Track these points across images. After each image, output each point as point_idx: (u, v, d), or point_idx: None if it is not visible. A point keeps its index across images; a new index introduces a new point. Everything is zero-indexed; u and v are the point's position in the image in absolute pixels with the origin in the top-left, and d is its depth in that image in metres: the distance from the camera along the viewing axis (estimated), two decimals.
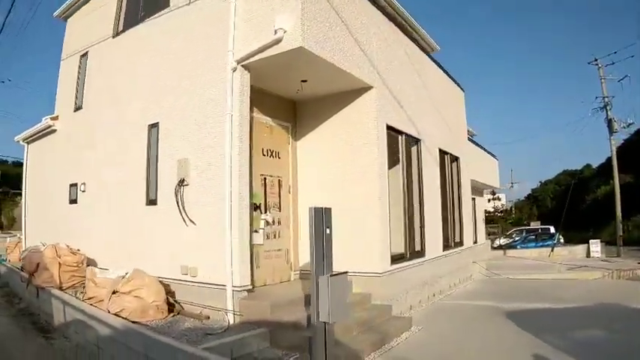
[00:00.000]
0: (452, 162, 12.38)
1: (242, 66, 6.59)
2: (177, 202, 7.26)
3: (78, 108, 10.64)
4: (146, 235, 7.97)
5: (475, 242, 19.77)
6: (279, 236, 8.14)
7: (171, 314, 6.68)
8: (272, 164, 8.12)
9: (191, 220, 7.09)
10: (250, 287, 6.60)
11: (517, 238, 28.90)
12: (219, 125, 6.66)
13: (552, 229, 28.57)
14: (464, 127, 14.32)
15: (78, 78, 10.74)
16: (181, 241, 7.20)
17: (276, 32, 6.03)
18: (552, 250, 21.30)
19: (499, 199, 44.66)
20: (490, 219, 37.73)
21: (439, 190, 10.99)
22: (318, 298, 4.83)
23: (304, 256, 8.33)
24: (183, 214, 7.17)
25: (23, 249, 11.80)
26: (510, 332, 6.85)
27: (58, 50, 12.00)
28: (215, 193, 6.64)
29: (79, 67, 10.73)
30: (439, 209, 10.88)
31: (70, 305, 6.86)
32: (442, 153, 11.46)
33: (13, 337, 6.87)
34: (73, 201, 10.50)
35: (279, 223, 8.16)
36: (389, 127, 8.30)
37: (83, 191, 10.18)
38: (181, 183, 7.26)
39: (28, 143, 13.13)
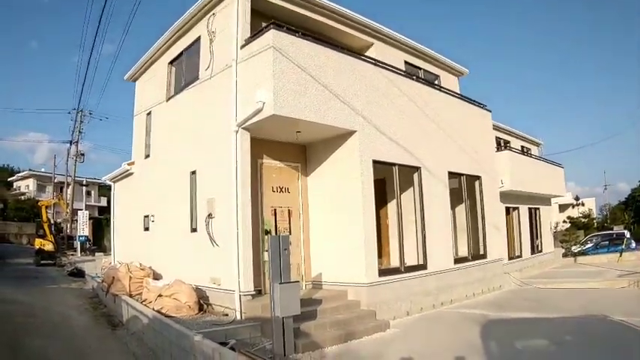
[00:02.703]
0: (471, 181, 14.33)
1: (242, 128, 9.41)
2: (207, 230, 10.19)
3: (147, 156, 14.22)
4: (190, 254, 11.14)
5: (540, 251, 21.28)
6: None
7: (201, 312, 9.63)
8: (282, 198, 10.87)
9: (216, 243, 10.00)
10: (254, 292, 9.30)
11: (590, 245, 29.08)
12: (229, 173, 9.46)
13: (627, 234, 28.45)
14: (490, 146, 16.15)
15: (146, 131, 14.24)
16: (210, 258, 10.18)
17: (257, 103, 8.75)
18: (620, 255, 21.94)
19: (583, 204, 44.15)
20: (576, 225, 37.80)
21: (449, 209, 13.02)
22: (274, 299, 7.40)
23: (316, 268, 11.00)
24: (211, 238, 10.08)
25: (105, 267, 15.59)
26: (467, 337, 8.48)
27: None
28: (229, 223, 9.44)
29: (146, 122, 14.31)
30: (449, 227, 12.93)
31: (131, 306, 10.04)
32: (455, 175, 13.49)
33: (89, 328, 10.16)
34: (147, 229, 14.01)
35: (289, 243, 10.79)
36: (378, 162, 10.67)
37: (153, 221, 13.61)
38: (209, 216, 10.23)
39: (114, 182, 17.03)
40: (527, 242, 20.40)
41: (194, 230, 11.08)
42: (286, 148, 11.12)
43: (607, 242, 27.89)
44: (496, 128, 20.22)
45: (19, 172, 64.91)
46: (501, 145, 21.38)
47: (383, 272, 10.51)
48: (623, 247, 24.28)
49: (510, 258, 18.06)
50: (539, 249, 21.90)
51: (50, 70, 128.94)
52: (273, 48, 8.74)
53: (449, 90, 14.39)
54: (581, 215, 44.42)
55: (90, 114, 35.42)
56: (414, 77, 13.05)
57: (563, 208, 48.35)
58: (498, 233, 15.55)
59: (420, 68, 14.83)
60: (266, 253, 10.20)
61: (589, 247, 28.33)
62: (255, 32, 9.54)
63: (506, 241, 17.92)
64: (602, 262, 22.02)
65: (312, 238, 11.25)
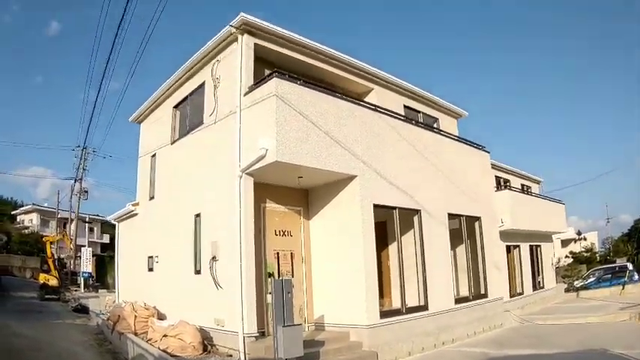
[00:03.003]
0: (471, 222, 14.60)
1: (246, 173, 9.73)
2: (211, 272, 10.43)
3: (152, 197, 14.54)
4: (194, 295, 11.35)
5: (541, 287, 21.44)
6: None
7: (205, 352, 9.85)
8: (284, 241, 11.15)
9: (220, 285, 10.23)
10: (257, 334, 9.48)
11: (592, 279, 29.02)
12: (233, 217, 9.75)
13: (630, 266, 28.39)
14: (489, 186, 16.47)
15: (150, 173, 14.58)
16: (214, 300, 10.39)
17: (260, 150, 9.09)
18: (623, 288, 22.01)
19: (585, 238, 44.28)
20: (578, 260, 37.87)
21: (449, 250, 13.27)
22: (277, 341, 7.61)
23: (319, 310, 11.20)
24: (215, 281, 10.31)
25: (111, 304, 15.80)
26: None
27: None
28: (232, 266, 9.68)
29: (151, 164, 14.66)
30: (449, 267, 13.17)
31: (136, 344, 10.32)
32: (454, 216, 13.77)
33: None
34: (151, 269, 14.24)
35: (292, 286, 11.01)
36: (378, 205, 10.97)
37: (157, 262, 13.84)
38: (213, 259, 10.48)
39: (118, 222, 17.33)
40: (529, 279, 20.57)
41: (198, 272, 11.30)
42: (289, 192, 11.43)
43: (609, 275, 27.82)
44: (496, 167, 20.64)
45: (22, 205, 65.32)
46: (501, 184, 21.76)
47: (384, 314, 10.70)
48: (626, 279, 24.30)
49: (512, 295, 18.22)
50: (541, 285, 22.03)
51: (55, 104, 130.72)
52: (276, 96, 9.14)
53: (447, 133, 14.82)
54: (583, 250, 44.58)
55: (94, 152, 35.78)
56: (413, 121, 13.49)
57: (565, 243, 48.41)
58: (499, 272, 15.74)
59: (419, 111, 15.29)
60: (269, 296, 10.33)
61: (591, 281, 28.30)
62: (259, 80, 9.99)
63: (508, 279, 18.10)
64: (604, 295, 22.11)
65: (314, 281, 11.48)
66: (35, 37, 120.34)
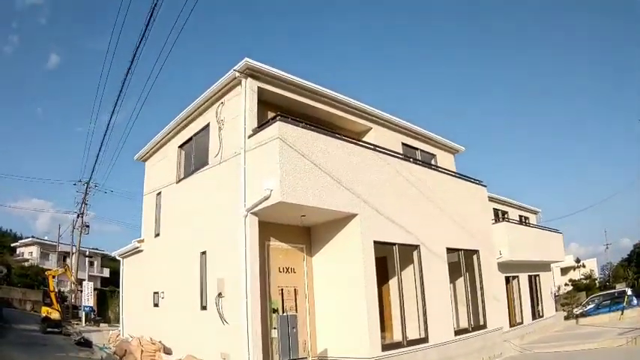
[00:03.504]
0: (469, 255, 15.03)
1: (251, 213, 10.19)
2: (217, 308, 10.81)
3: (157, 235, 14.98)
4: (200, 330, 11.71)
5: (541, 316, 21.76)
6: None
7: None
8: (288, 277, 11.56)
9: (226, 321, 10.62)
10: None
11: (591, 305, 29.24)
12: (239, 255, 10.19)
13: (629, 291, 28.62)
14: (487, 220, 16.93)
15: (156, 211, 15.04)
16: (220, 335, 10.78)
17: (265, 191, 9.57)
18: (622, 314, 22.27)
19: (584, 266, 44.65)
20: (578, 287, 38.20)
21: (448, 282, 13.66)
22: None
23: (322, 344, 11.55)
24: (221, 316, 10.70)
25: (115, 339, 16.13)
26: None
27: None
28: (238, 302, 10.08)
29: (156, 202, 15.13)
30: (448, 300, 13.54)
31: None
32: (453, 250, 14.20)
33: None
34: (156, 305, 14.58)
35: (297, 322, 11.38)
36: (378, 242, 11.41)
37: (162, 298, 14.19)
38: (219, 295, 10.87)
39: (123, 258, 17.71)
40: (528, 309, 20.89)
41: (204, 308, 11.69)
42: (292, 230, 11.87)
43: (608, 301, 28.10)
44: (494, 200, 21.15)
45: (21, 237, 65.55)
46: (499, 216, 22.21)
47: (386, 346, 11.05)
48: (624, 304, 24.60)
49: (512, 325, 18.57)
50: (541, 314, 22.33)
51: (54, 136, 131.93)
52: (279, 139, 9.67)
53: (444, 169, 15.36)
54: (582, 277, 44.84)
55: (95, 186, 36.26)
56: (411, 159, 14.02)
57: (565, 271, 48.61)
58: (498, 303, 16.09)
59: (417, 148, 15.85)
60: (274, 331, 10.80)
61: (590, 308, 28.59)
62: (262, 123, 10.55)
63: (507, 309, 18.44)
64: (603, 321, 22.41)
65: (317, 315, 11.85)
66: (34, 70, 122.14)
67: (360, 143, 12.14)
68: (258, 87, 11.20)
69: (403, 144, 15.18)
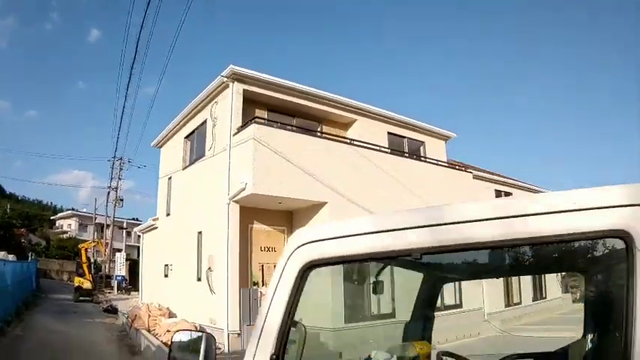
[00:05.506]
0: None
1: (233, 201, 12.49)
2: (207, 281, 13.24)
3: (168, 214, 17.58)
4: (196, 298, 14.25)
5: (543, 297, 22.99)
6: None
7: None
8: (269, 256, 13.84)
9: (214, 292, 13.05)
10: (239, 331, 12.17)
11: None
12: (224, 236, 12.50)
13: None
14: None
15: (167, 193, 17.59)
16: (210, 303, 13.23)
17: (241, 183, 11.83)
18: None
19: None
20: None
21: None
22: (244, 336, 10.30)
23: None
24: (210, 287, 13.14)
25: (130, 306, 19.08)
26: None
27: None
28: (222, 276, 12.44)
29: (168, 185, 17.65)
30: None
31: (146, 338, 13.25)
32: None
33: (113, 354, 13.33)
34: (166, 275, 17.20)
35: (260, 294, 13.73)
36: None
37: (171, 270, 16.79)
38: (209, 269, 13.29)
39: (142, 233, 20.50)
40: (529, 288, 22.19)
41: (199, 280, 14.18)
42: (274, 214, 14.14)
43: None
44: (495, 181, 22.33)
45: (61, 210, 70.03)
46: (502, 197, 23.48)
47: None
48: None
49: (508, 305, 20.09)
50: (543, 295, 23.58)
51: (92, 108, 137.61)
52: (254, 139, 11.91)
53: (422, 156, 17.16)
54: None
55: (129, 162, 39.16)
56: (389, 150, 15.83)
57: None
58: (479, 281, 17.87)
59: (404, 137, 17.43)
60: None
61: None
62: (244, 124, 12.80)
63: (503, 287, 19.98)
64: None
65: None
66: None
67: (335, 139, 14.19)
68: (245, 90, 13.34)
69: (389, 133, 16.76)
